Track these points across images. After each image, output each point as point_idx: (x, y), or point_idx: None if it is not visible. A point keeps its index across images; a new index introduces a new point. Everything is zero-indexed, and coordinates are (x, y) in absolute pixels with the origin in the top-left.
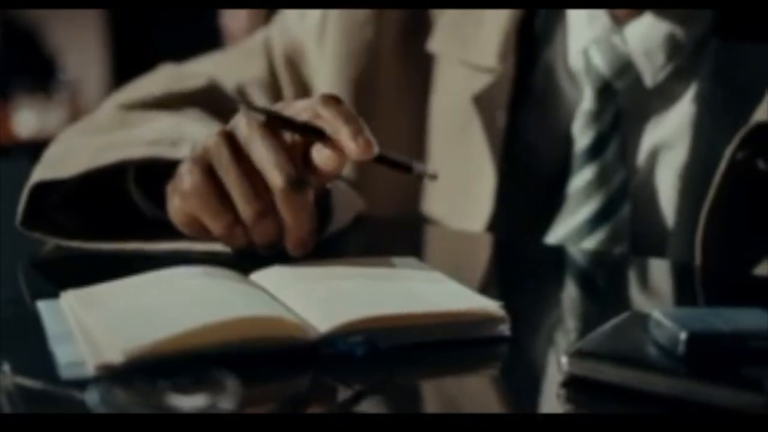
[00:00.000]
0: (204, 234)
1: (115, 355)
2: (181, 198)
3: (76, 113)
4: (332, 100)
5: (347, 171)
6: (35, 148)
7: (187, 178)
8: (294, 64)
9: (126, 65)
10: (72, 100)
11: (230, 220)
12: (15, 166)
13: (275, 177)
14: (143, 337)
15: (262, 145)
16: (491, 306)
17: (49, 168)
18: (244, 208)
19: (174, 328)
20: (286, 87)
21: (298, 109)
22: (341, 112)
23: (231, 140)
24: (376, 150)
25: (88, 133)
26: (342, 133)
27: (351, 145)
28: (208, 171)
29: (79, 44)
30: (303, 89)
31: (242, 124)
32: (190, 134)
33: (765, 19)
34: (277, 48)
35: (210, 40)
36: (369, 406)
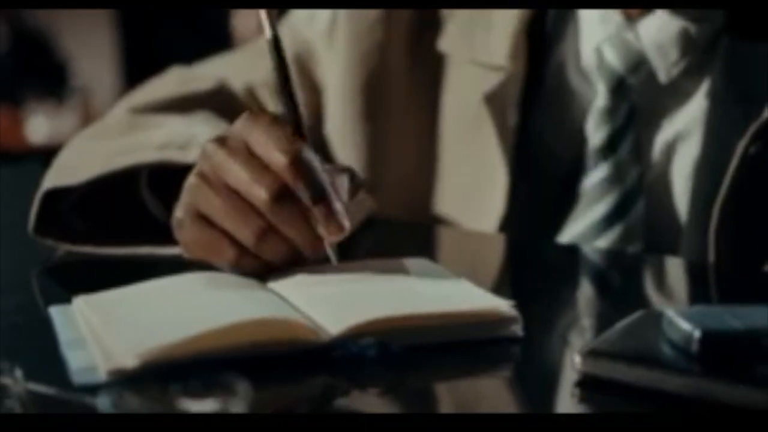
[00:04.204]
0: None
1: (127, 359)
2: (184, 249)
3: (87, 119)
4: (302, 169)
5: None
6: (47, 155)
7: (181, 233)
8: (304, 66)
9: (137, 72)
10: (84, 107)
11: (235, 254)
12: (27, 173)
13: (256, 192)
14: (155, 342)
15: (236, 167)
16: (504, 306)
17: (61, 174)
18: (241, 234)
19: (185, 332)
20: (296, 88)
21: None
22: (309, 184)
23: (207, 178)
24: (347, 229)
25: (99, 138)
26: (315, 211)
27: (322, 229)
28: (198, 217)
29: (90, 51)
30: (313, 91)
31: (213, 157)
32: (199, 136)
33: None
34: (286, 49)
35: (221, 44)
36: (382, 407)
